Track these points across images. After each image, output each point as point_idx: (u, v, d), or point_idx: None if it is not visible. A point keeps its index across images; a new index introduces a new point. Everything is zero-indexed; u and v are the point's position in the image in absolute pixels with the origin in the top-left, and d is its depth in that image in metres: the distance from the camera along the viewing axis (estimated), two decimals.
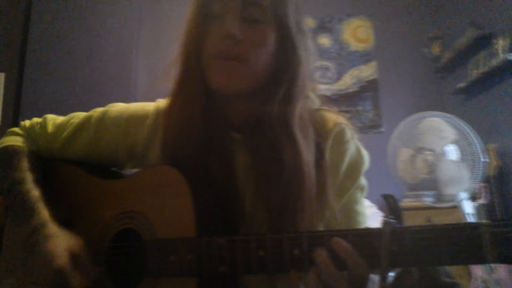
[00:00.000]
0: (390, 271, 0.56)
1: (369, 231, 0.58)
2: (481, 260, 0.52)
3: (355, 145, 0.78)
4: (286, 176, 0.68)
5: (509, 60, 2.48)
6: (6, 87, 2.82)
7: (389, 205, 0.59)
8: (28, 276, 0.70)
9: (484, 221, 0.53)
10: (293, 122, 0.71)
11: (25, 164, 0.81)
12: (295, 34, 0.73)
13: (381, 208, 2.21)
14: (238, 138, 0.76)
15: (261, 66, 0.73)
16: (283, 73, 0.73)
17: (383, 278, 0.55)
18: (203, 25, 0.73)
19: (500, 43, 2.57)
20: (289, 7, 0.72)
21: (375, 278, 0.63)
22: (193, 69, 0.74)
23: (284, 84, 0.73)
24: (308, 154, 0.70)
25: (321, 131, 0.76)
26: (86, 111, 0.88)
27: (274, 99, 0.72)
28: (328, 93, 3.36)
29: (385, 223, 0.57)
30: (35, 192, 0.77)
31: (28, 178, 0.78)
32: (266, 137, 0.71)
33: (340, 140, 0.77)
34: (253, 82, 0.73)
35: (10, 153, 0.82)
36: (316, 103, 0.81)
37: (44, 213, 0.74)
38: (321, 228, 0.72)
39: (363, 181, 0.79)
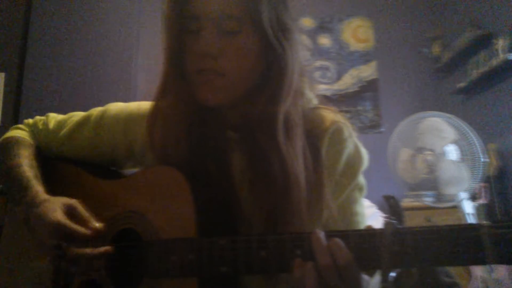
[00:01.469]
0: (391, 271, 0.56)
1: (371, 232, 0.59)
2: (481, 261, 0.53)
3: (354, 143, 0.77)
4: (274, 178, 0.68)
5: (509, 60, 2.48)
6: (6, 87, 2.81)
7: (390, 206, 0.59)
8: (32, 248, 0.71)
9: (484, 222, 0.54)
10: (276, 123, 0.70)
11: (25, 152, 0.82)
12: (275, 35, 0.71)
13: (381, 208, 2.21)
14: (234, 137, 0.76)
15: (244, 75, 0.72)
16: (269, 74, 0.72)
17: (384, 278, 0.56)
18: (181, 40, 0.72)
19: (500, 43, 2.57)
20: (264, 9, 0.69)
21: (367, 277, 0.63)
22: (176, 82, 0.74)
23: (269, 85, 0.72)
24: (294, 156, 0.70)
25: (317, 130, 0.76)
26: (86, 111, 0.88)
27: (260, 101, 0.71)
28: (328, 93, 3.36)
29: (386, 224, 0.57)
30: (29, 172, 0.78)
31: (26, 162, 0.80)
32: (256, 138, 0.71)
33: (338, 138, 0.76)
34: (239, 91, 0.73)
35: (12, 142, 0.84)
36: (313, 101, 0.80)
37: (36, 186, 0.76)
38: (319, 228, 0.72)
39: (361, 180, 0.78)
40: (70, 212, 0.71)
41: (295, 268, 0.59)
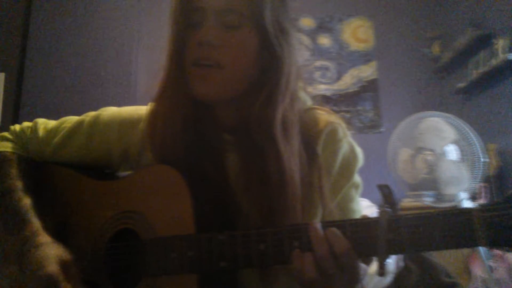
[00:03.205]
0: (387, 258, 0.58)
1: (366, 221, 0.60)
2: (473, 244, 0.55)
3: (348, 143, 0.78)
4: (270, 178, 0.69)
5: (509, 60, 2.48)
6: (6, 87, 2.82)
7: (384, 195, 0.61)
8: (20, 285, 0.70)
9: (475, 206, 0.56)
10: (274, 124, 0.70)
11: (15, 171, 0.80)
12: (275, 34, 0.72)
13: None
14: (230, 140, 0.77)
15: (241, 71, 0.73)
16: (265, 75, 0.73)
17: (381, 264, 0.57)
18: (184, 33, 0.73)
19: (500, 43, 2.57)
20: (267, 8, 0.71)
21: (366, 267, 0.64)
22: (176, 76, 0.74)
23: (266, 86, 0.72)
24: (291, 156, 0.70)
25: (312, 131, 0.77)
26: (86, 111, 0.88)
27: (256, 102, 0.72)
28: (328, 93, 3.36)
29: (381, 212, 0.59)
30: (26, 201, 0.76)
31: (19, 186, 0.78)
32: (253, 139, 0.72)
33: (333, 139, 0.77)
34: (235, 88, 0.73)
35: (1, 160, 0.81)
36: (307, 102, 0.81)
37: (35, 222, 0.74)
38: None
39: (357, 178, 0.79)
40: (64, 266, 0.69)
41: (294, 260, 0.60)
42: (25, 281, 0.70)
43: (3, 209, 0.76)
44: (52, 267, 0.68)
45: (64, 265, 0.69)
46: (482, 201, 2.53)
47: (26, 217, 0.74)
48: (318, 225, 0.60)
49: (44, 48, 2.88)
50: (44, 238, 0.72)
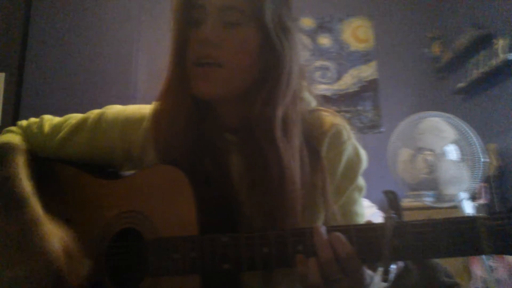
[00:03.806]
0: (392, 264, 0.57)
1: (371, 226, 0.60)
2: (479, 252, 0.55)
3: (353, 145, 0.78)
4: (271, 178, 0.69)
5: (509, 60, 2.48)
6: (6, 87, 2.82)
7: (390, 201, 0.60)
8: (21, 271, 0.69)
9: (481, 214, 0.56)
10: (274, 123, 0.70)
11: (19, 160, 0.80)
12: (276, 33, 0.72)
13: (381, 208, 2.20)
14: (233, 140, 0.76)
15: (242, 69, 0.72)
16: (267, 73, 0.73)
17: (385, 271, 0.57)
18: (185, 31, 0.73)
19: (500, 43, 2.57)
20: (267, 5, 0.71)
21: (372, 273, 0.64)
22: (178, 75, 0.74)
23: (267, 85, 0.72)
24: (291, 156, 0.70)
25: (317, 132, 0.76)
26: (86, 111, 0.88)
27: (257, 100, 0.72)
28: (328, 93, 3.37)
29: (386, 218, 0.58)
30: (27, 186, 0.76)
31: (22, 173, 0.78)
32: (255, 139, 0.71)
33: (337, 141, 0.77)
34: (236, 86, 0.73)
35: (5, 149, 0.81)
36: (312, 103, 0.81)
37: (36, 206, 0.73)
38: None
39: (361, 181, 0.79)
40: (67, 252, 0.69)
41: (297, 265, 0.60)
42: (28, 269, 0.68)
43: (5, 193, 0.75)
44: (56, 258, 0.67)
45: (67, 252, 0.68)
46: (482, 201, 2.53)
47: (26, 200, 0.73)
48: (322, 229, 0.60)
49: (44, 48, 2.88)
50: (46, 224, 0.71)
